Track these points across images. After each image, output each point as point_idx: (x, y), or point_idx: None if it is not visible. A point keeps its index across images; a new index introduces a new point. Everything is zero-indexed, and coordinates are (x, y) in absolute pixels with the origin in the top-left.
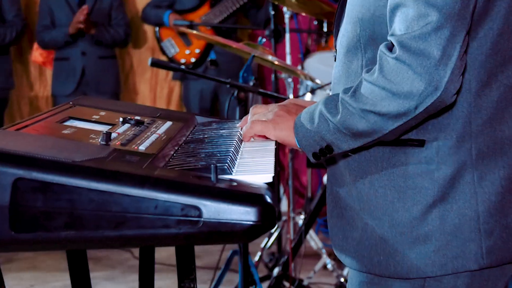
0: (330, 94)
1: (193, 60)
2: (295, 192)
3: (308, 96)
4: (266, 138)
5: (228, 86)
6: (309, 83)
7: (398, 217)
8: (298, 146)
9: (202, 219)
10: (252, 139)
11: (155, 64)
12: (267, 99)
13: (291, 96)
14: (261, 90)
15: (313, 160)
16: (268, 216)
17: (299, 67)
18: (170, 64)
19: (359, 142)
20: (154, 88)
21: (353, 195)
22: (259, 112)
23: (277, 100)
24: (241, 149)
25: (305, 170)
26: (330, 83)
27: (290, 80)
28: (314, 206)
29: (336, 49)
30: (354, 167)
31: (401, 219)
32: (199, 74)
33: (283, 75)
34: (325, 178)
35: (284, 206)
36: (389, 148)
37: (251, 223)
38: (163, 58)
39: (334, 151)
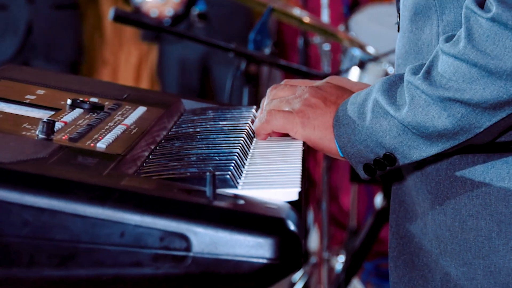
0: (392, 73)
1: (169, 12)
2: (331, 221)
3: (354, 72)
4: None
5: (231, 54)
6: (357, 52)
7: (499, 261)
8: (341, 155)
9: (191, 254)
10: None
11: (121, 18)
12: (291, 75)
13: (328, 71)
14: (282, 62)
15: (365, 176)
16: (291, 251)
17: (342, 28)
18: (140, 18)
19: (438, 148)
20: (116, 54)
21: (429, 232)
22: (280, 96)
23: (308, 77)
24: (251, 150)
25: (347, 187)
26: (389, 53)
27: (327, 47)
28: (361, 242)
29: (399, 13)
30: (430, 188)
31: (504, 264)
32: (180, 33)
33: (316, 40)
34: (378, 200)
35: (314, 241)
36: (482, 157)
37: (264, 261)
38: (126, 8)
39: (397, 163)
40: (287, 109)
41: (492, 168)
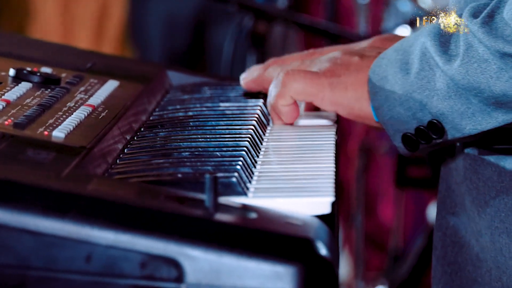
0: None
1: None
2: (368, 240)
3: (401, 34)
4: (315, 109)
5: (232, 7)
6: (406, 5)
7: None
8: (376, 120)
9: (184, 286)
10: (286, 116)
11: None
12: (314, 39)
13: (365, 31)
14: (301, 18)
15: (405, 150)
16: (321, 284)
17: None
18: None
19: (497, 120)
20: (66, 5)
21: (487, 259)
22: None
23: (338, 41)
24: (265, 143)
25: (389, 194)
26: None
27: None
28: (409, 269)
29: None
30: (489, 198)
31: None
32: None
33: None
34: (431, 211)
35: (344, 267)
36: None
37: None
38: None
39: (445, 135)
40: (313, 69)
41: None
